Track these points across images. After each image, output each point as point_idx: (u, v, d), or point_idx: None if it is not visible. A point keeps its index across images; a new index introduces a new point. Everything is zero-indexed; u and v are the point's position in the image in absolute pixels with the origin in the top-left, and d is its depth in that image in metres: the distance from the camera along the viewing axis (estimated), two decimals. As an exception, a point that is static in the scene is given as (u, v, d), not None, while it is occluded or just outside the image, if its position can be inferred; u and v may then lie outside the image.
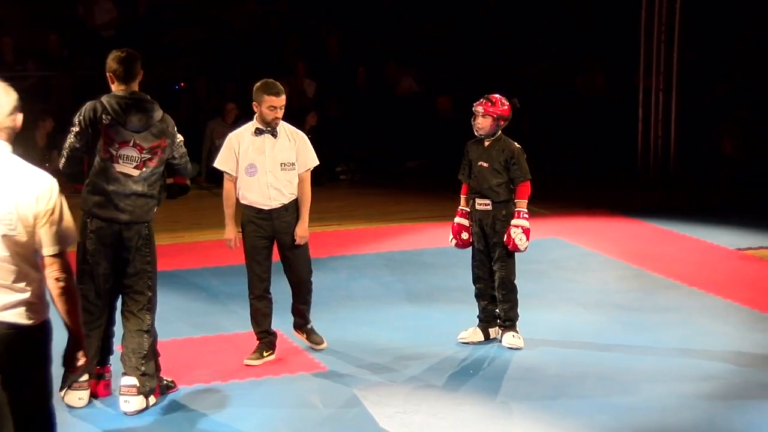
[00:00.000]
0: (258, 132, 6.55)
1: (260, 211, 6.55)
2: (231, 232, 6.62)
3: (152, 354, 5.88)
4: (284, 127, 6.63)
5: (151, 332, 5.87)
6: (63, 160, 5.81)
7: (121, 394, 5.77)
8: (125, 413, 5.74)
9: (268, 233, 6.59)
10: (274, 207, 6.55)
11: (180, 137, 5.95)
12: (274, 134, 6.56)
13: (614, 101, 14.59)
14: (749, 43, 14.80)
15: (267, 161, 6.52)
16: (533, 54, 15.25)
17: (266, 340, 6.70)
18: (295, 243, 6.63)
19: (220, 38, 14.88)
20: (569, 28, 15.45)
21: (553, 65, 15.03)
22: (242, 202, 6.62)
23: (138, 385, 5.75)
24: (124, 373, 5.79)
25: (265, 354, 6.65)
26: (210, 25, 15.03)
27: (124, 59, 5.72)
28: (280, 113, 6.51)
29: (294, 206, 6.63)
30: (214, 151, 13.28)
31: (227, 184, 6.63)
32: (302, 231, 6.64)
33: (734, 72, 14.59)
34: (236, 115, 13.17)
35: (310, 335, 6.89)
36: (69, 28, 14.10)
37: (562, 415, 5.85)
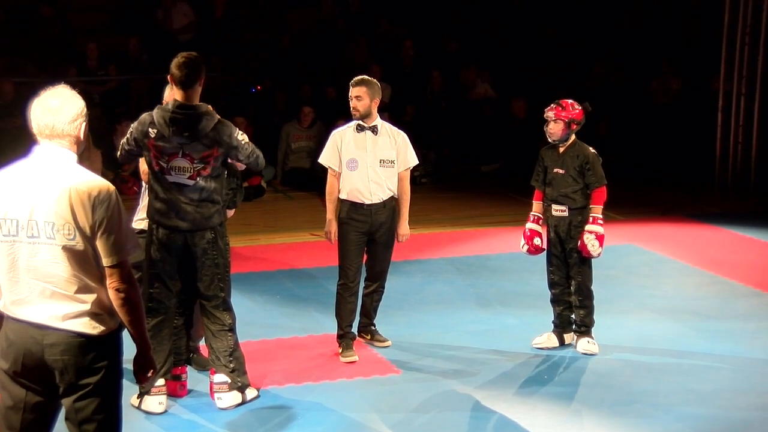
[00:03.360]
0: (359, 128, 6.72)
1: (360, 206, 6.69)
2: (332, 225, 6.76)
3: (239, 351, 5.98)
4: (385, 126, 6.82)
5: (235, 330, 5.97)
6: (121, 152, 5.89)
7: (214, 392, 5.94)
8: (221, 409, 5.89)
9: (366, 228, 6.72)
10: (374, 202, 6.70)
11: (243, 136, 5.82)
12: (375, 131, 6.72)
13: (689, 105, 14.38)
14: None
15: (368, 157, 6.69)
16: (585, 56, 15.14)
17: (351, 335, 6.81)
18: (397, 241, 6.85)
19: (293, 41, 14.97)
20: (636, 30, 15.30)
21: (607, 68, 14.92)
22: (342, 197, 6.76)
23: (229, 381, 5.89)
24: (215, 372, 5.93)
25: (354, 348, 6.76)
26: (283, 27, 15.14)
27: (182, 64, 5.62)
28: (358, 104, 6.65)
29: (391, 203, 6.79)
30: (289, 153, 13.44)
31: (330, 179, 6.79)
32: (404, 230, 6.84)
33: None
34: (312, 118, 13.22)
35: (375, 335, 7.04)
36: (148, 33, 14.34)
37: (636, 423, 5.79)
